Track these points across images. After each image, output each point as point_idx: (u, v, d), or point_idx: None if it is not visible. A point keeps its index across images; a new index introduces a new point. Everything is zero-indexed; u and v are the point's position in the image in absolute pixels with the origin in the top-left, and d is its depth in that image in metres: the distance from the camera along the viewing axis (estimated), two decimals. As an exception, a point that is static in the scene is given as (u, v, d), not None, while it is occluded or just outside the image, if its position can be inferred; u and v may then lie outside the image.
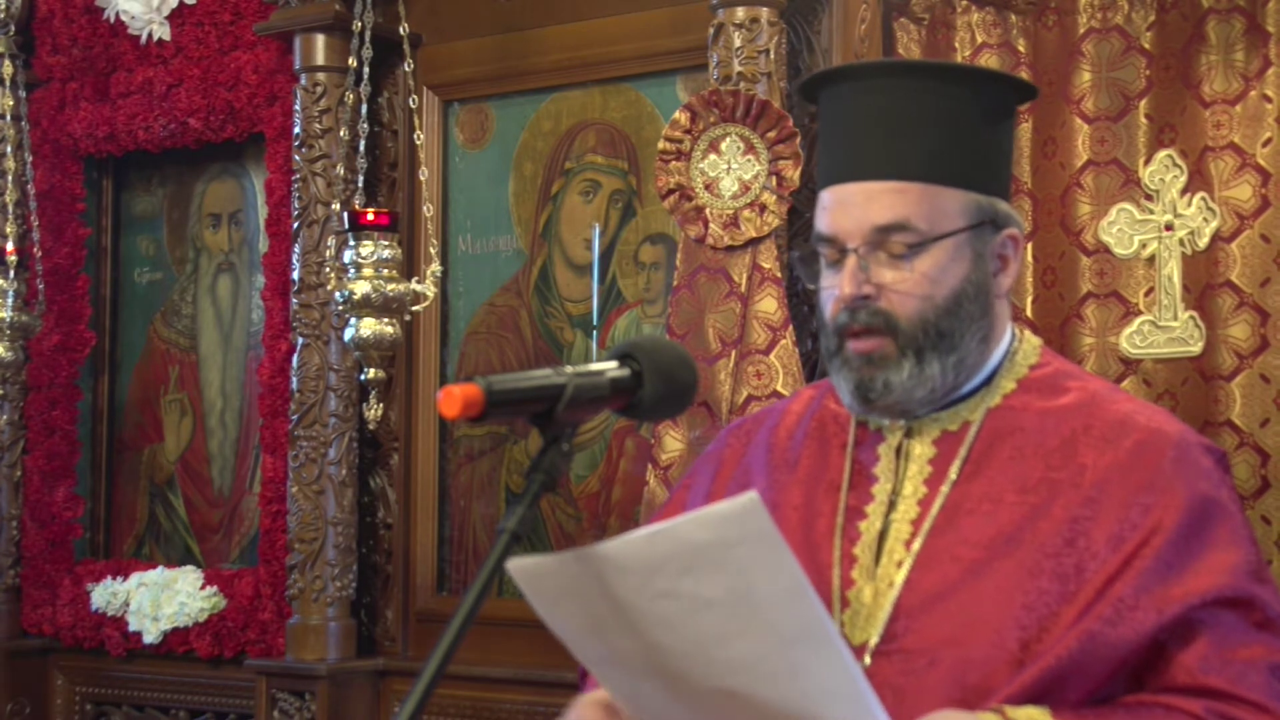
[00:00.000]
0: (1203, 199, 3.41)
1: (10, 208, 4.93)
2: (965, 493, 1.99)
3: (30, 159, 4.99)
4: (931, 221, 1.98)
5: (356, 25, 4.30)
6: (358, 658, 4.45)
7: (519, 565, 1.64)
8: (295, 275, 4.47)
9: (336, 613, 4.42)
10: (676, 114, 3.78)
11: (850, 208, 2.00)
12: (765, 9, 3.76)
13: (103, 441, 5.13)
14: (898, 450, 2.06)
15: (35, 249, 4.95)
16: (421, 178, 4.34)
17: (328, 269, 4.33)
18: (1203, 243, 3.42)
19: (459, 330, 4.49)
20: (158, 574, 4.81)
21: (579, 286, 4.29)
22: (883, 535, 2.01)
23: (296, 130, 4.47)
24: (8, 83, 4.94)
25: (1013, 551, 1.91)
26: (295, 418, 4.44)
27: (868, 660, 1.92)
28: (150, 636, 4.74)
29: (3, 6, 4.94)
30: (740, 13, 3.75)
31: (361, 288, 4.02)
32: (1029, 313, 3.54)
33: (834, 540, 2.03)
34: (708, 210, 3.72)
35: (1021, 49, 3.61)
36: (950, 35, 3.67)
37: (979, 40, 3.65)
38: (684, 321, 3.73)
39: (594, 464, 4.23)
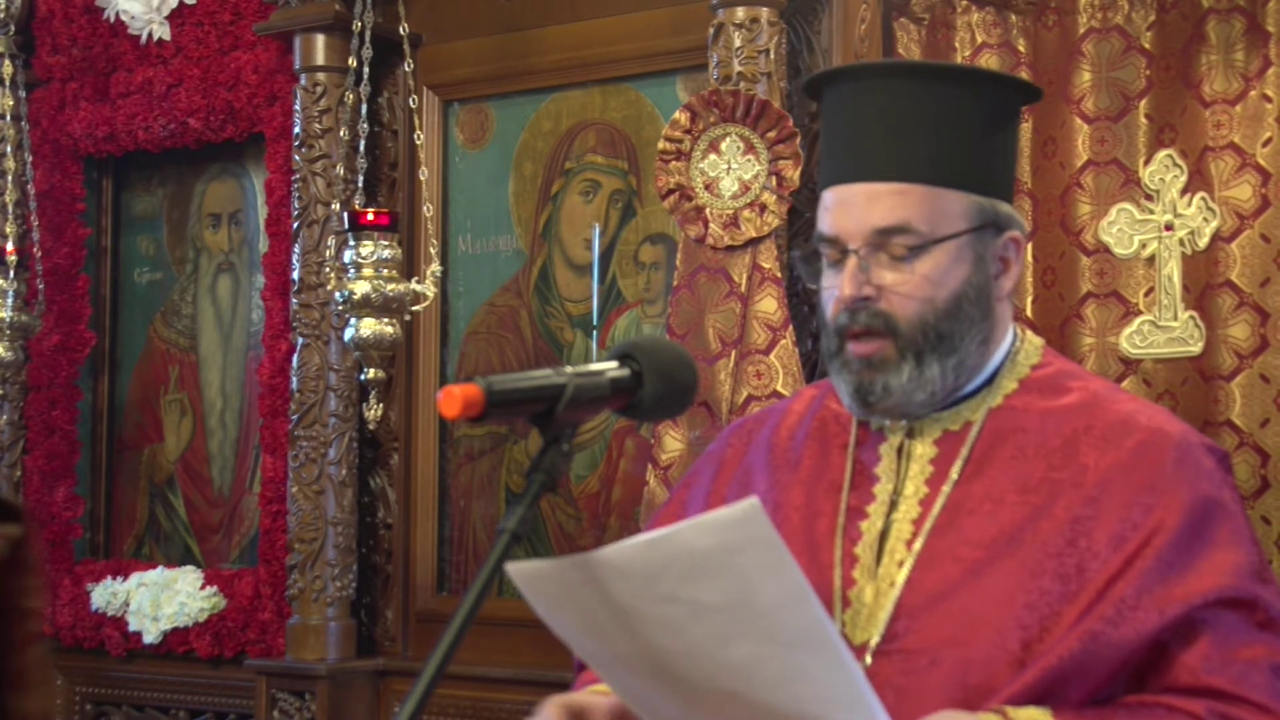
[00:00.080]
0: (1203, 199, 3.41)
1: (10, 208, 4.93)
2: (967, 492, 1.98)
3: (30, 159, 4.99)
4: (933, 224, 1.98)
5: (356, 25, 4.30)
6: (358, 658, 4.45)
7: (518, 569, 1.64)
8: (295, 275, 4.47)
9: (336, 613, 4.42)
10: (676, 114, 3.78)
11: (852, 208, 2.00)
12: (765, 9, 3.76)
13: (103, 441, 5.13)
14: (899, 450, 2.05)
15: (35, 249, 4.96)
16: (421, 178, 4.34)
17: (328, 269, 4.33)
18: (1203, 243, 3.42)
19: (459, 330, 4.49)
20: (158, 574, 4.81)
21: (579, 286, 4.29)
22: (884, 535, 2.00)
23: (296, 130, 4.47)
24: (8, 83, 4.94)
25: (1014, 551, 1.91)
26: (295, 418, 4.44)
27: (869, 660, 1.92)
28: (150, 636, 4.74)
29: (3, 6, 4.94)
30: (740, 13, 3.75)
31: (361, 288, 4.02)
32: (1029, 313, 3.54)
33: (835, 540, 2.02)
34: (708, 210, 3.71)
35: (1021, 49, 3.61)
36: (950, 35, 3.67)
37: (979, 40, 3.65)
38: (684, 321, 3.73)
39: (594, 464, 4.23)
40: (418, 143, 4.30)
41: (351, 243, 4.06)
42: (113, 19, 4.89)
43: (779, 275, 3.67)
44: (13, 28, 4.97)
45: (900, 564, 1.97)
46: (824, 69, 3.28)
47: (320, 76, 4.44)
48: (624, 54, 4.18)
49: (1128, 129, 3.49)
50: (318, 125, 4.43)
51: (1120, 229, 3.49)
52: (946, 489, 2.00)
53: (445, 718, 4.26)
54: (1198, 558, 1.87)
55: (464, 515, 4.45)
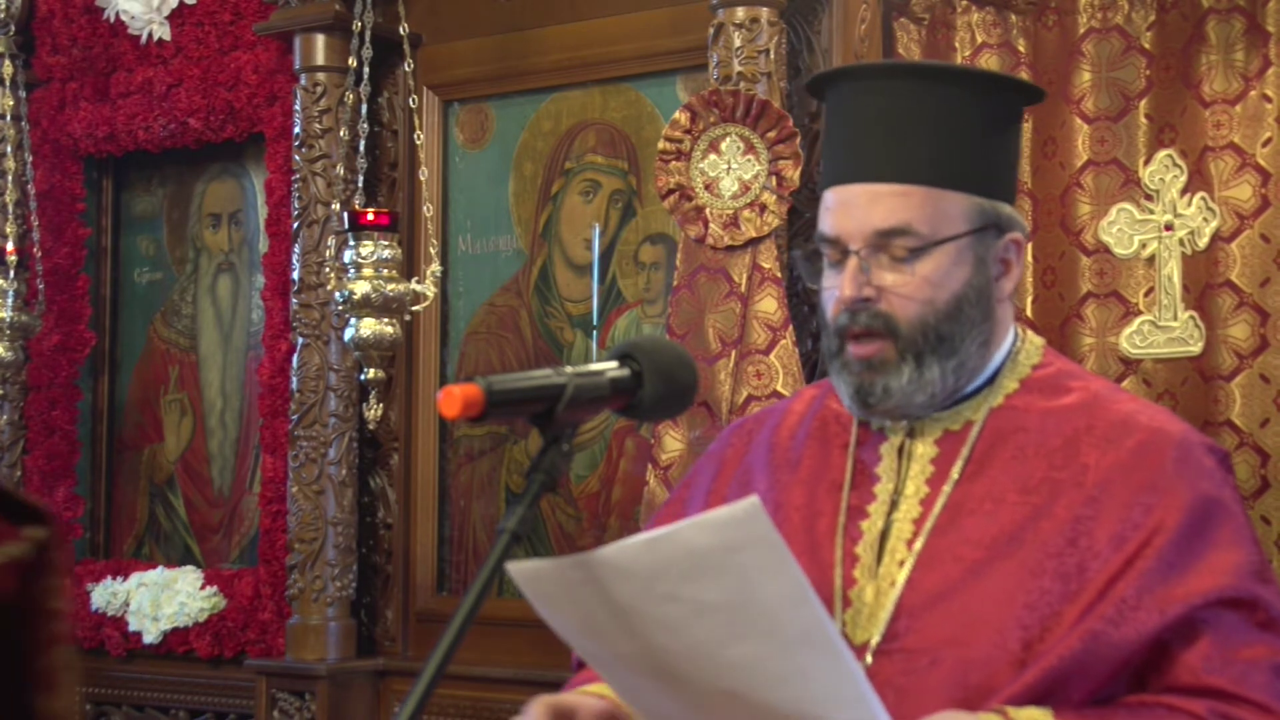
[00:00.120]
0: (1203, 199, 3.41)
1: (10, 208, 4.93)
2: (967, 492, 1.98)
3: (30, 159, 4.99)
4: (933, 226, 1.98)
5: (356, 25, 4.30)
6: (358, 658, 4.45)
7: (519, 568, 1.64)
8: (295, 275, 4.47)
9: (336, 613, 4.42)
10: (676, 114, 3.78)
11: (853, 209, 2.00)
12: (765, 9, 3.76)
13: (103, 441, 5.13)
14: (900, 450, 2.05)
15: (35, 249, 4.95)
16: (421, 178, 4.34)
17: (328, 269, 4.33)
18: (1203, 243, 3.42)
19: (459, 330, 4.49)
20: (158, 574, 4.81)
21: (579, 286, 4.29)
22: (885, 534, 2.00)
23: (296, 130, 4.47)
24: (8, 83, 4.94)
25: (1015, 551, 1.91)
26: (295, 418, 4.44)
27: (869, 659, 1.92)
28: (150, 636, 4.74)
29: (3, 6, 4.94)
30: (740, 13, 3.75)
31: (361, 288, 4.02)
32: (1029, 313, 3.54)
33: (836, 539, 2.02)
34: (708, 210, 3.71)
35: (1021, 49, 3.61)
36: (950, 35, 3.67)
37: (979, 40, 3.65)
38: (684, 321, 3.73)
39: (594, 464, 4.23)
40: (418, 143, 4.30)
41: (351, 243, 4.06)
42: (113, 19, 4.89)
43: (779, 275, 3.67)
44: (13, 28, 4.97)
45: (901, 563, 1.97)
46: (825, 69, 3.29)
47: (320, 76, 4.44)
48: (624, 54, 4.18)
49: (1128, 129, 3.50)
50: (318, 125, 4.42)
51: (1120, 229, 3.49)
52: (947, 489, 2.00)
53: (445, 718, 4.26)
54: (1198, 558, 1.87)
55: (464, 515, 4.45)
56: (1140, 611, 1.84)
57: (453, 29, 4.46)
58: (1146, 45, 3.48)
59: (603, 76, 4.24)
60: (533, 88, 4.36)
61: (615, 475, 4.19)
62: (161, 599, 4.72)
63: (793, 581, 1.62)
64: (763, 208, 3.67)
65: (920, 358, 1.99)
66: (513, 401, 1.55)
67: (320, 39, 4.45)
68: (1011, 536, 1.92)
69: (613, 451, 4.20)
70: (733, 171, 3.70)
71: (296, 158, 4.46)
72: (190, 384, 4.98)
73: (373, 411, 4.20)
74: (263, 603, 4.58)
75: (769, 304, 3.66)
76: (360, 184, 4.40)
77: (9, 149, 4.92)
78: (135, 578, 4.84)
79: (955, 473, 2.00)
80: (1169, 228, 3.44)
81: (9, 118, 4.93)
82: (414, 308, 4.13)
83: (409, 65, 4.39)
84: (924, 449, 2.04)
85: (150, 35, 4.84)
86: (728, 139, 3.71)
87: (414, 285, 4.11)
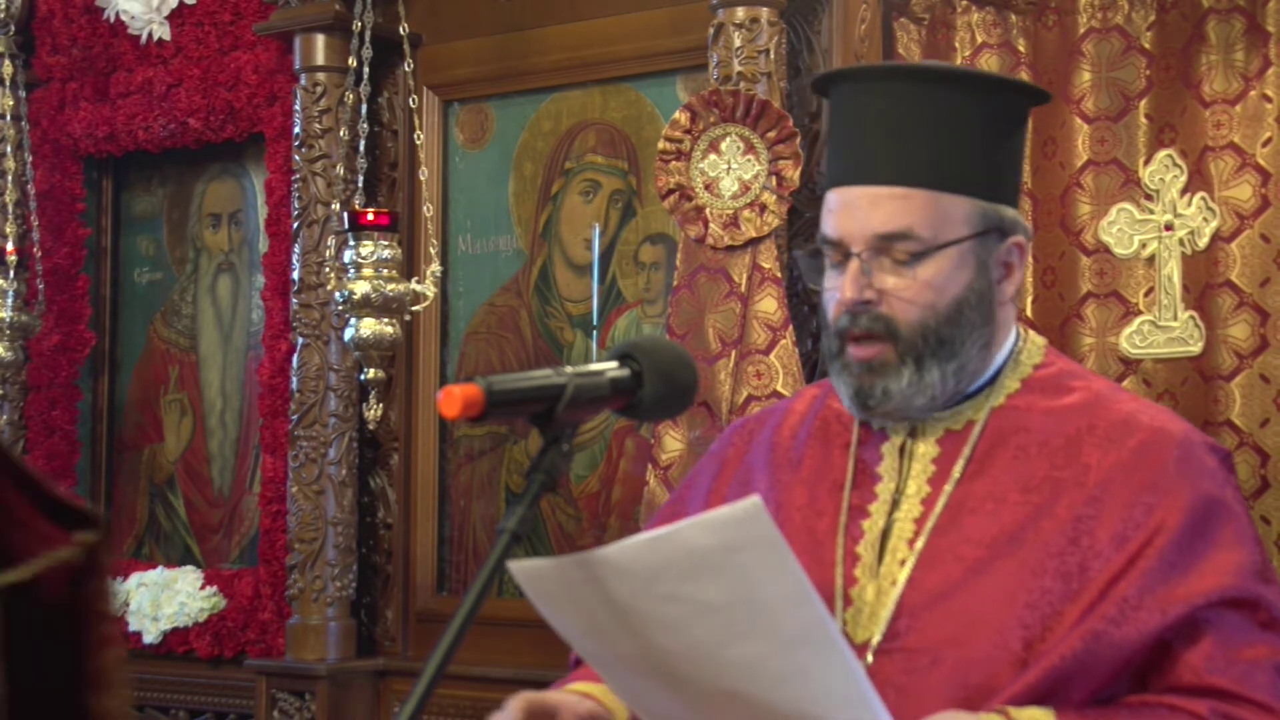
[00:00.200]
0: (1203, 199, 3.41)
1: (10, 208, 4.93)
2: (969, 492, 1.98)
3: (30, 159, 4.99)
4: (935, 229, 1.98)
5: (356, 25, 4.30)
6: (358, 658, 4.45)
7: (519, 567, 1.64)
8: (295, 275, 4.47)
9: (336, 613, 4.42)
10: (676, 114, 3.78)
11: (855, 211, 2.00)
12: (765, 9, 3.76)
13: (103, 441, 5.13)
14: (901, 449, 2.05)
15: (35, 249, 4.95)
16: (421, 178, 4.34)
17: (328, 269, 4.33)
18: (1202, 243, 3.41)
19: (459, 330, 4.48)
20: (157, 574, 4.81)
21: (579, 286, 4.29)
22: (886, 534, 2.00)
23: (296, 130, 4.47)
24: (8, 83, 4.94)
25: (1016, 551, 1.91)
26: (295, 418, 4.44)
27: (870, 659, 1.92)
28: (150, 636, 4.74)
29: (3, 6, 4.94)
30: (740, 13, 3.75)
31: (361, 288, 4.02)
32: (1029, 313, 3.53)
33: (837, 539, 2.03)
34: (708, 210, 3.71)
35: (1021, 49, 3.61)
36: (950, 35, 3.67)
37: (979, 40, 3.64)
38: (684, 321, 3.73)
39: (594, 464, 4.23)
40: (418, 143, 4.30)
41: (351, 243, 4.06)
42: (113, 19, 4.89)
43: (779, 275, 3.67)
44: (13, 28, 4.97)
45: (902, 563, 1.97)
46: (826, 69, 3.29)
47: (320, 76, 4.44)
48: (624, 54, 4.18)
49: (1128, 129, 3.49)
50: (318, 125, 4.42)
51: (1120, 229, 3.49)
52: (949, 488, 2.00)
53: (445, 718, 4.26)
54: (1200, 557, 1.87)
55: (464, 515, 4.45)
56: (1142, 611, 1.84)
57: (453, 29, 4.46)
58: (1146, 45, 3.48)
59: (603, 76, 4.24)
60: (533, 88, 4.36)
61: (615, 475, 4.19)
62: (161, 599, 4.73)
63: (794, 581, 1.62)
64: (763, 208, 3.67)
65: (920, 361, 1.99)
66: (513, 401, 1.55)
67: (320, 39, 4.45)
68: (1013, 536, 1.92)
69: (613, 451, 4.20)
70: (733, 171, 3.70)
71: (296, 158, 4.46)
72: (190, 384, 4.98)
73: (373, 411, 4.20)
74: (263, 603, 4.58)
75: (769, 304, 3.66)
76: (360, 184, 4.40)
77: (9, 149, 4.92)
78: (135, 578, 4.83)
79: (957, 472, 2.00)
80: (1169, 228, 3.44)
81: (9, 118, 4.93)
82: (414, 308, 4.13)
83: (409, 65, 4.39)
84: (925, 448, 2.04)
85: (150, 35, 4.84)
86: (728, 139, 3.71)
87: (414, 285, 4.11)
